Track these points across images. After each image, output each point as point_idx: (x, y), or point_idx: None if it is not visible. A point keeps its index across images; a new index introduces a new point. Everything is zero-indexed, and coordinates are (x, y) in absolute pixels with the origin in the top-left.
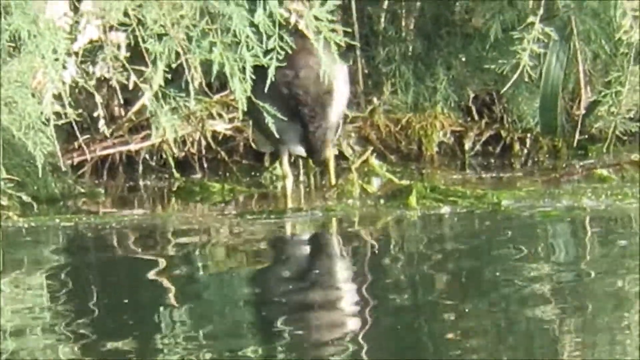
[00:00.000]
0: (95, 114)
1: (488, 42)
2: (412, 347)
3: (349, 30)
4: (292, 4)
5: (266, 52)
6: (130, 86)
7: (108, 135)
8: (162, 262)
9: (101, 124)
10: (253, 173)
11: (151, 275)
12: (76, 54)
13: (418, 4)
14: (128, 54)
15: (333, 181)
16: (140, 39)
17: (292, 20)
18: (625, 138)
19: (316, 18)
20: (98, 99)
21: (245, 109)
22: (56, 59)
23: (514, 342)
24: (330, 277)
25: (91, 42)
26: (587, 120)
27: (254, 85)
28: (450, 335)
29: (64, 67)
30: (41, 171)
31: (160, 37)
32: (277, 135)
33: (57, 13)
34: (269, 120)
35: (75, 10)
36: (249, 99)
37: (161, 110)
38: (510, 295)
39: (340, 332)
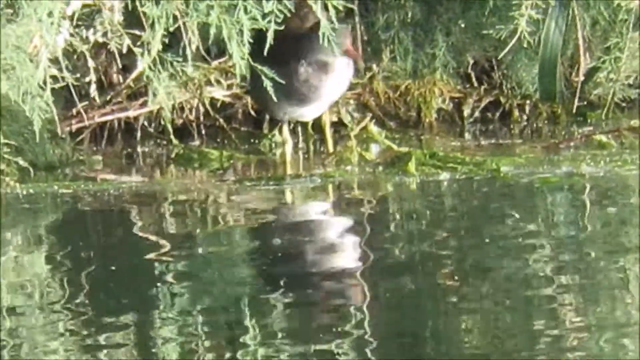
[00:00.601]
0: (87, 79)
1: (487, 8)
2: (412, 317)
3: None
4: None
5: (264, 15)
6: (124, 51)
7: (98, 101)
8: (160, 230)
9: (92, 89)
10: (252, 140)
11: (149, 243)
12: (70, 18)
13: None
14: (122, 19)
15: (331, 149)
16: (137, 3)
17: None
18: (624, 104)
19: None
20: (91, 63)
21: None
22: (52, 23)
23: (511, 307)
24: (328, 245)
25: (86, 5)
26: (586, 87)
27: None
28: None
29: (58, 32)
30: (39, 138)
31: (157, 1)
32: (275, 100)
33: None
34: (267, 84)
35: None
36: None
37: (159, 76)
38: (508, 261)
39: (338, 302)
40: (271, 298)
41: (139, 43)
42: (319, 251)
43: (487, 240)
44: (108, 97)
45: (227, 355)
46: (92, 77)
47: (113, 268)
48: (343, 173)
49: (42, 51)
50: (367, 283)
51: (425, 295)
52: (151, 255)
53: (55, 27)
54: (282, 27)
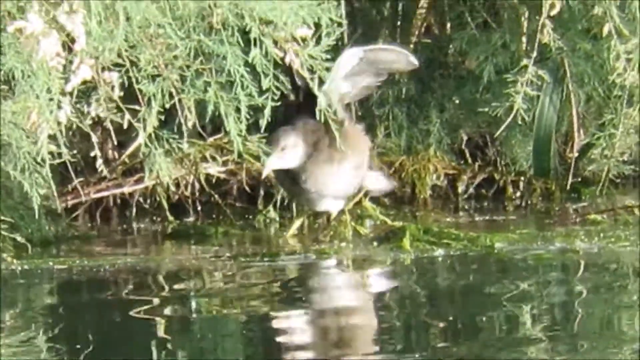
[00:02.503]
0: (92, 154)
1: (481, 85)
2: None
3: None
4: (287, 43)
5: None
6: (125, 125)
7: (107, 174)
8: (156, 306)
9: (99, 163)
10: (247, 216)
11: (145, 320)
12: (70, 94)
13: (412, 46)
14: (122, 93)
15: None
16: (133, 80)
17: (287, 59)
18: (618, 181)
19: (311, 57)
20: (94, 138)
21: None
22: (50, 99)
23: None
24: (323, 321)
25: (85, 82)
26: (581, 163)
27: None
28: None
29: (59, 107)
30: (37, 215)
31: (154, 77)
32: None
33: (50, 53)
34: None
35: (69, 50)
36: None
37: (155, 152)
38: (503, 339)
39: None
40: None
41: (135, 120)
42: (311, 331)
43: (480, 319)
44: (103, 173)
45: None
46: (97, 152)
47: (119, 346)
48: (338, 249)
49: (42, 127)
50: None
51: None
52: (147, 335)
53: (55, 103)
54: None
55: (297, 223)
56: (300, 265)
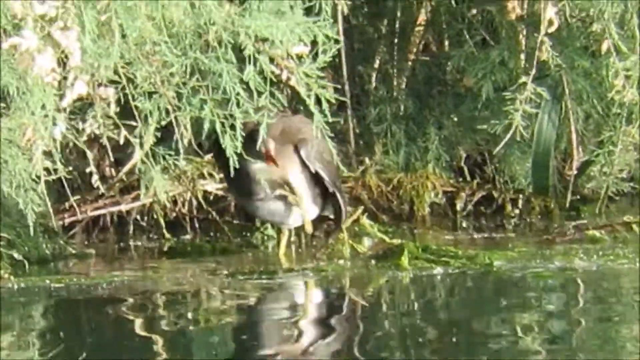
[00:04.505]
0: (87, 170)
1: (480, 102)
2: None
3: (339, 87)
4: (283, 60)
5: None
6: (122, 142)
7: (103, 190)
8: (153, 324)
9: (94, 179)
10: (244, 233)
11: (142, 337)
12: (65, 110)
13: (409, 63)
14: (117, 109)
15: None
16: (130, 97)
17: (284, 77)
18: (617, 198)
19: (306, 75)
20: (90, 155)
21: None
22: (45, 116)
23: None
24: (320, 340)
25: (80, 98)
26: (580, 181)
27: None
28: None
29: (54, 124)
30: (32, 232)
31: (150, 95)
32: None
33: (45, 69)
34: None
35: (64, 66)
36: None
37: (152, 169)
38: (503, 357)
39: None
40: None
41: (131, 137)
42: (309, 349)
43: (479, 338)
44: (101, 191)
45: None
46: (93, 168)
47: None
48: (335, 267)
49: (37, 144)
50: None
51: None
52: (144, 353)
53: (50, 119)
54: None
55: (284, 239)
56: (297, 283)
